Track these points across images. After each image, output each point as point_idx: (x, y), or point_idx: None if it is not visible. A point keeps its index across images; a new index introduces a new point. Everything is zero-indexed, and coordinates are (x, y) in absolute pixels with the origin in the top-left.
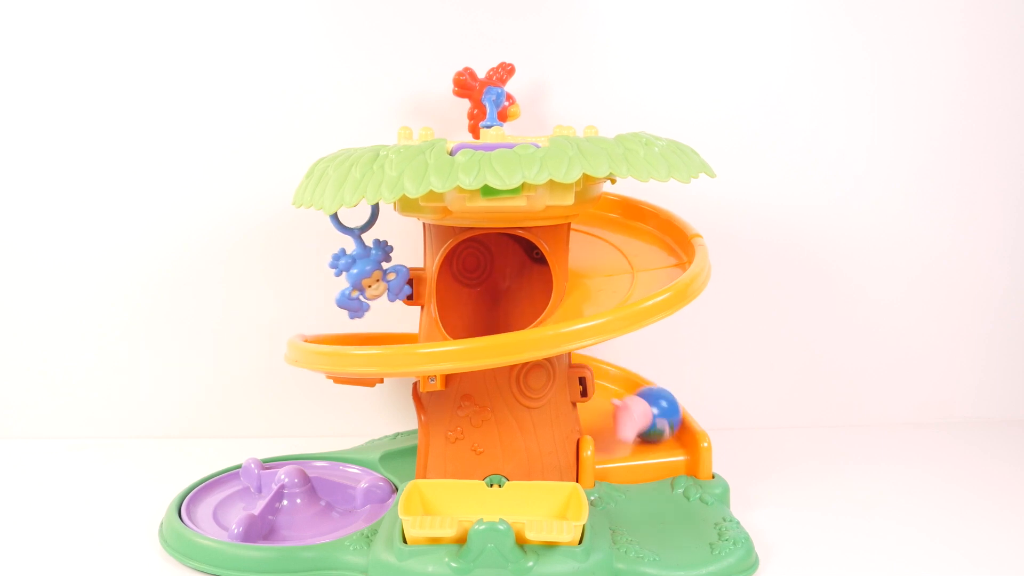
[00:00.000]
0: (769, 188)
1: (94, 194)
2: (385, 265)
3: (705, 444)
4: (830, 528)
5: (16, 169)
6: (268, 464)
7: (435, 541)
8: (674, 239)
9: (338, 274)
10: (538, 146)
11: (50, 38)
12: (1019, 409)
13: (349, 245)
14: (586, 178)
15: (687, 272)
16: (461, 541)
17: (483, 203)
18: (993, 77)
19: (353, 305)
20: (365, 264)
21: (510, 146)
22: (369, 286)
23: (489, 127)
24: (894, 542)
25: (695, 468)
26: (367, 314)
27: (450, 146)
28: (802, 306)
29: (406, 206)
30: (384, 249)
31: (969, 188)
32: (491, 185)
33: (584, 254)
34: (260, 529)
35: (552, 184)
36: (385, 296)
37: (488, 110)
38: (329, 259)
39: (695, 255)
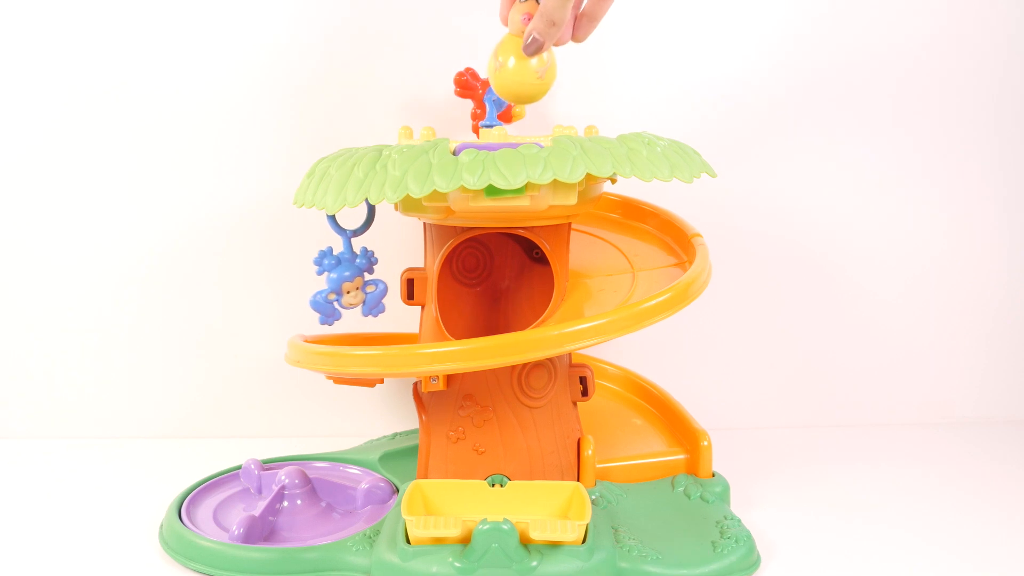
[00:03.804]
0: (769, 188)
1: (94, 194)
2: (367, 276)
3: (705, 443)
4: (830, 527)
5: (17, 169)
6: (268, 465)
7: (439, 541)
8: (674, 239)
9: (320, 273)
10: (541, 146)
11: (49, 38)
12: (1019, 409)
13: (339, 246)
14: (589, 178)
15: (688, 272)
16: (465, 541)
17: (487, 203)
18: (993, 77)
19: (327, 309)
20: (347, 269)
21: (514, 146)
22: (348, 292)
23: (490, 127)
24: (894, 542)
25: (695, 467)
26: (356, 317)
27: (453, 146)
28: (802, 306)
29: (408, 206)
30: (370, 259)
31: (969, 188)
32: (495, 185)
33: (584, 254)
34: (261, 530)
35: (556, 184)
36: (359, 309)
37: (488, 110)
38: (315, 256)
39: (695, 255)
